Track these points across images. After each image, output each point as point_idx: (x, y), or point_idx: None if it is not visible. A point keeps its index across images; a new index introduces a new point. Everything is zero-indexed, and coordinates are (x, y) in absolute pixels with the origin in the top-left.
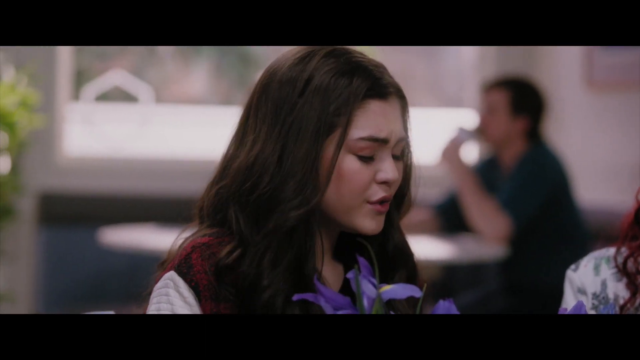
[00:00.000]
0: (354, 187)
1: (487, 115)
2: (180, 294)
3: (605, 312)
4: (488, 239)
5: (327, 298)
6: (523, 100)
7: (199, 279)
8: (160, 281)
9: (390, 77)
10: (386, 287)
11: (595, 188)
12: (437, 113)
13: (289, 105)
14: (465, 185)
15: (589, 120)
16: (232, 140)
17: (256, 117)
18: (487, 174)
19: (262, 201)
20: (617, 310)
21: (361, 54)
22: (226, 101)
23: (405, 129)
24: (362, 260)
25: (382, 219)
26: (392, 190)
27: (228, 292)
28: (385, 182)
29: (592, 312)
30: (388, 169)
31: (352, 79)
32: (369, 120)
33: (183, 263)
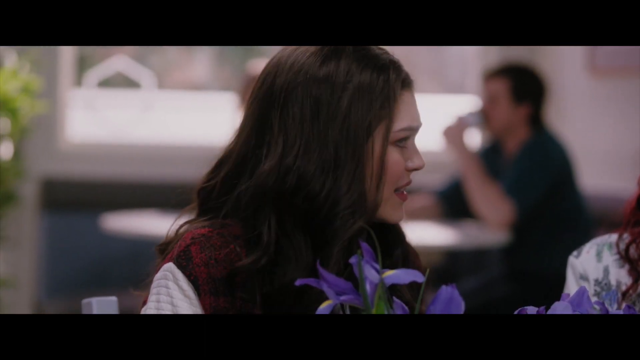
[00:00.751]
0: (394, 176)
1: (488, 104)
2: (180, 287)
3: (607, 299)
4: (492, 225)
5: (330, 283)
6: (524, 87)
7: (198, 272)
8: (159, 272)
9: (403, 66)
10: (389, 272)
11: (598, 174)
12: (439, 99)
13: (332, 105)
14: (469, 169)
15: (591, 107)
16: (244, 134)
17: (287, 116)
18: (490, 160)
19: (321, 209)
20: (619, 297)
21: (380, 48)
22: (228, 87)
23: None
24: (364, 245)
25: (403, 207)
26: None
27: (240, 292)
28: (414, 169)
29: (595, 298)
30: (419, 157)
31: (388, 73)
32: (406, 111)
33: (182, 255)
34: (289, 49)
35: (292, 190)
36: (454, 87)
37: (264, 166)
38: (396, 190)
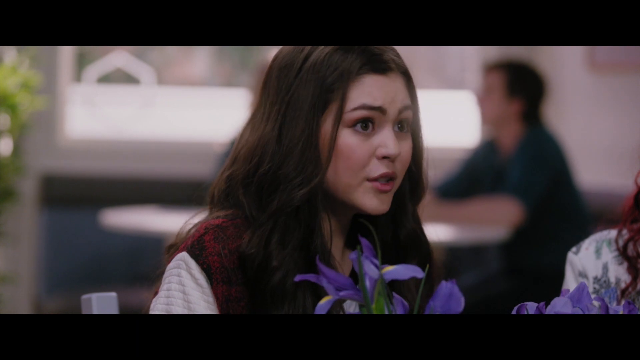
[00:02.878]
0: (352, 163)
1: (483, 95)
2: (192, 276)
3: (606, 296)
4: (502, 226)
5: (329, 279)
6: (519, 82)
7: (211, 261)
8: (172, 261)
9: (396, 56)
10: (388, 268)
11: (597, 170)
12: (439, 95)
13: (287, 85)
14: (457, 217)
15: (591, 102)
16: (245, 127)
17: (262, 103)
18: (487, 156)
19: (264, 181)
20: (618, 295)
21: None
22: (228, 83)
23: (414, 105)
24: (364, 241)
25: (386, 198)
26: (399, 168)
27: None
28: (386, 157)
29: (594, 296)
30: (389, 144)
31: (347, 54)
32: (364, 91)
33: (196, 244)
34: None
35: (252, 168)
36: (454, 83)
37: (242, 151)
38: (369, 180)
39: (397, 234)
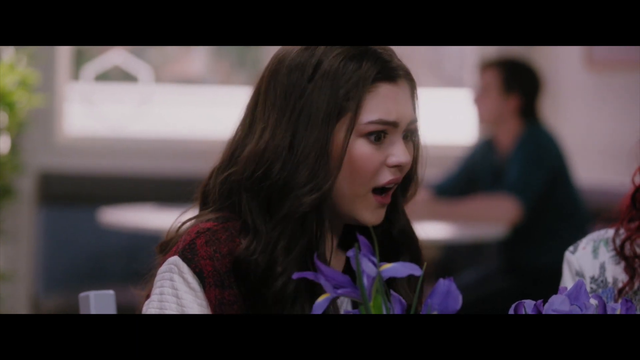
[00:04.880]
0: (364, 171)
1: (479, 94)
2: (185, 280)
3: (604, 296)
4: (501, 224)
5: (327, 277)
6: (514, 78)
7: (204, 265)
8: (164, 265)
9: (399, 60)
10: (386, 266)
11: (595, 168)
12: (437, 93)
13: (298, 90)
14: (455, 216)
15: (588, 100)
16: (240, 126)
17: (265, 104)
18: (485, 154)
19: (275, 189)
20: (615, 294)
21: None
22: (226, 81)
23: (415, 111)
24: (362, 238)
25: (383, 211)
26: (402, 174)
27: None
28: (396, 166)
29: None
30: (400, 153)
31: (361, 62)
32: (379, 104)
33: (187, 248)
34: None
35: (260, 175)
36: (452, 81)
37: (244, 153)
38: (375, 189)
39: (389, 230)
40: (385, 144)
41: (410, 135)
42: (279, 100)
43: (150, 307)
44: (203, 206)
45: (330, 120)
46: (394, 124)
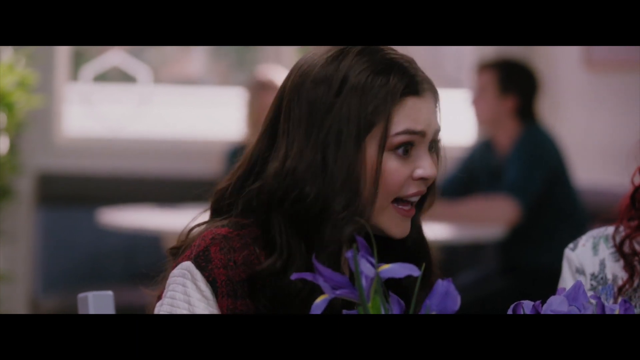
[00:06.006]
0: (391, 187)
1: (477, 95)
2: (198, 287)
3: (603, 293)
4: (499, 225)
5: (326, 277)
6: (510, 79)
7: (217, 274)
8: (177, 269)
9: (423, 72)
10: (385, 266)
11: (594, 169)
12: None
13: (326, 106)
14: (454, 217)
15: (587, 101)
16: (260, 138)
17: (289, 119)
18: (483, 155)
19: (311, 214)
20: (615, 292)
21: (393, 50)
22: (224, 82)
23: (439, 122)
24: (360, 239)
25: (408, 223)
26: (427, 186)
27: (260, 295)
28: (422, 179)
29: (590, 293)
30: (426, 166)
31: (388, 77)
32: (406, 116)
33: (201, 255)
34: (311, 51)
35: (289, 193)
36: (450, 82)
37: (269, 169)
38: (398, 200)
39: (403, 240)
40: (412, 156)
41: (434, 146)
42: (305, 115)
43: (162, 311)
44: (215, 213)
45: (361, 136)
46: (421, 134)
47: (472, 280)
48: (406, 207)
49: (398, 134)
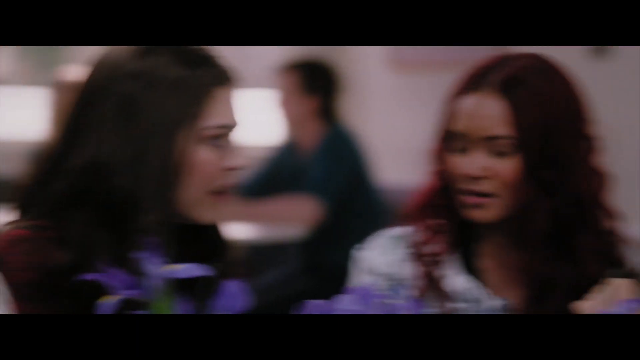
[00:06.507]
0: (206, 177)
1: (283, 96)
2: None
3: (396, 292)
4: (301, 224)
5: (114, 277)
6: (313, 80)
7: (16, 276)
8: None
9: (232, 66)
10: (174, 266)
11: (397, 169)
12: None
13: (136, 100)
14: (257, 217)
15: (393, 100)
16: (60, 134)
17: (94, 113)
18: (288, 155)
19: (121, 205)
20: (410, 291)
21: (203, 47)
22: (30, 82)
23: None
24: (149, 239)
25: (222, 210)
26: (238, 176)
27: (63, 298)
28: (233, 169)
29: (384, 292)
30: (238, 156)
31: (199, 71)
32: (219, 109)
33: None
34: (114, 48)
35: (99, 186)
36: (256, 82)
37: (75, 165)
38: (213, 191)
39: (199, 234)
40: (223, 147)
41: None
42: (113, 109)
43: None
44: (19, 213)
45: (173, 129)
46: (232, 126)
47: (276, 279)
48: (221, 196)
49: (215, 127)
